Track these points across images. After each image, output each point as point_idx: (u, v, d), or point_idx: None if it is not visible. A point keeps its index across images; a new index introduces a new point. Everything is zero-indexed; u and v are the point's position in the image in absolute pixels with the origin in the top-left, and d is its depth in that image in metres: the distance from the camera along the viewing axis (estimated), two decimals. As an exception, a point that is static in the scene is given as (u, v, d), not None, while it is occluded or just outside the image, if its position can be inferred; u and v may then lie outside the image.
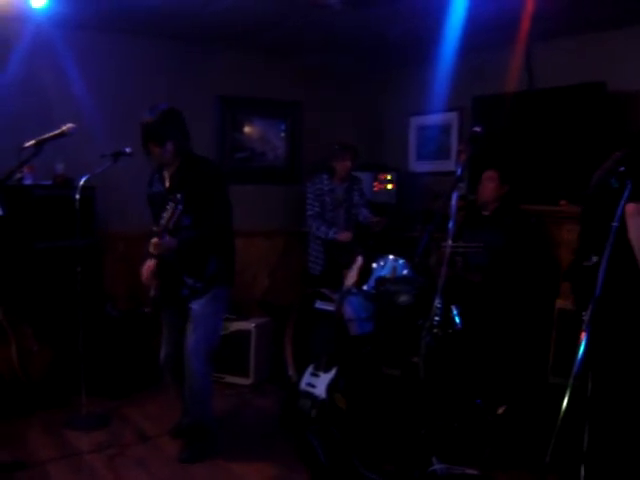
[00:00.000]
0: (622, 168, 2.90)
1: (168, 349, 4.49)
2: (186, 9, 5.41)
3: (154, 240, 4.00)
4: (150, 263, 4.18)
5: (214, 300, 4.34)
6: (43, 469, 4.19)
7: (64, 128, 4.31)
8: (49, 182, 5.65)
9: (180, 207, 3.89)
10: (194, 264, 4.27)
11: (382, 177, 7.35)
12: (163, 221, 3.92)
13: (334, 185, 6.35)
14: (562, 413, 2.78)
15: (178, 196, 3.89)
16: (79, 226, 4.81)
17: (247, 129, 7.21)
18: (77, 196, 4.73)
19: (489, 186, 5.41)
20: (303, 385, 4.84)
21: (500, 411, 4.57)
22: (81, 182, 4.72)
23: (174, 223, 3.93)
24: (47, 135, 4.21)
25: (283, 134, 7.42)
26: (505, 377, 4.83)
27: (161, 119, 4.18)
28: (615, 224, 2.84)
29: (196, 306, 4.30)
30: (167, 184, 4.33)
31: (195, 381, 4.33)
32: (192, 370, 4.30)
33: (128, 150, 4.70)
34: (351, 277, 5.07)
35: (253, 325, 5.81)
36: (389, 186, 7.31)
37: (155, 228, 3.99)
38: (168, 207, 3.91)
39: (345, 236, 6.22)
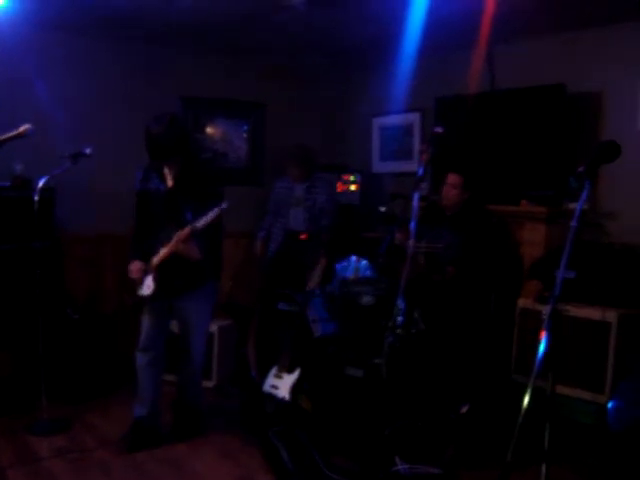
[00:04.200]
0: (581, 169, 2.92)
1: (151, 333, 4.61)
2: (148, 9, 5.36)
3: (182, 237, 4.15)
4: (158, 257, 4.37)
5: (207, 294, 4.66)
6: (2, 474, 4.11)
7: (22, 129, 4.25)
8: (7, 183, 5.56)
9: (224, 210, 4.07)
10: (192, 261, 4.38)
11: (345, 178, 7.36)
12: (201, 223, 4.06)
13: (293, 184, 6.34)
14: (523, 411, 2.80)
15: (224, 205, 4.05)
16: (38, 228, 4.75)
17: (209, 130, 7.18)
18: (36, 197, 4.66)
19: (452, 192, 5.37)
20: (266, 387, 4.83)
21: (463, 410, 4.58)
22: (40, 184, 4.65)
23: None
24: (4, 136, 4.14)
25: (245, 135, 7.39)
26: (468, 376, 4.85)
27: (168, 137, 4.25)
28: (573, 224, 2.86)
29: (191, 299, 4.55)
30: (170, 183, 4.44)
31: (195, 366, 4.77)
32: (194, 359, 4.73)
33: (88, 151, 4.65)
34: (315, 278, 5.07)
35: (216, 327, 5.78)
36: (352, 187, 7.31)
37: (190, 226, 4.14)
38: (213, 211, 4.04)
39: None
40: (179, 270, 4.39)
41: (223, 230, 4.52)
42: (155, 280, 4.40)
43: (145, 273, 4.44)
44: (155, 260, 4.38)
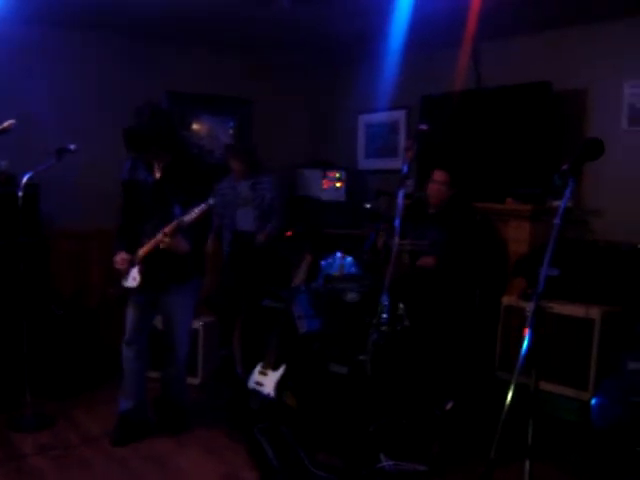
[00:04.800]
0: (565, 166, 2.93)
1: (137, 326, 4.60)
2: (136, 3, 5.33)
3: (167, 232, 4.09)
4: (144, 249, 4.34)
5: (192, 291, 4.66)
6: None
7: (5, 124, 4.25)
8: (-9, 180, 5.53)
9: (211, 207, 4.00)
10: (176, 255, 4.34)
11: (331, 175, 7.36)
12: (188, 218, 3.99)
13: (236, 184, 6.24)
14: (506, 408, 2.81)
15: (211, 201, 3.97)
16: (22, 224, 4.72)
17: (195, 126, 7.16)
18: (20, 193, 4.64)
19: (439, 189, 5.35)
20: (251, 383, 4.82)
21: (448, 407, 4.60)
22: (24, 180, 4.63)
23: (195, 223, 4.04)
24: (-12, 132, 4.13)
25: (232, 131, 7.38)
26: (453, 373, 4.87)
27: (142, 129, 4.20)
28: (557, 221, 2.88)
29: (176, 292, 4.53)
30: (158, 174, 4.43)
31: (180, 363, 4.74)
32: (178, 355, 4.70)
33: (72, 147, 4.63)
34: (300, 275, 5.06)
35: (201, 324, 5.77)
36: (338, 184, 7.31)
37: (177, 220, 4.06)
38: (200, 207, 3.96)
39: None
40: (165, 263, 4.36)
41: (210, 226, 4.54)
42: (141, 272, 4.37)
43: (131, 264, 4.41)
44: (141, 252, 4.35)
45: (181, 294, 4.57)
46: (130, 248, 4.44)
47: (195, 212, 3.98)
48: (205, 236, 4.56)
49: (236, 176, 6.21)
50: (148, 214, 4.41)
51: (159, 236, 4.16)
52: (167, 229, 4.11)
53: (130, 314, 4.61)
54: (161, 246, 4.18)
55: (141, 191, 4.48)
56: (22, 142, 5.33)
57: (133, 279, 4.40)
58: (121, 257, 4.43)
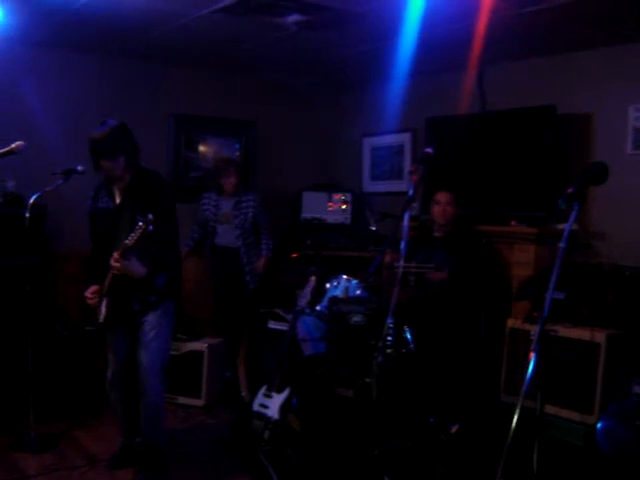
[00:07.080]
0: (570, 190, 2.94)
1: (116, 367, 4.36)
2: (141, 27, 5.38)
3: (116, 257, 3.86)
4: (105, 282, 4.11)
5: (165, 314, 4.25)
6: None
7: (13, 146, 4.26)
8: (-1, 200, 5.56)
9: (151, 227, 3.73)
10: (146, 278, 4.08)
11: (336, 197, 7.38)
12: (130, 240, 3.76)
13: (220, 201, 6.38)
14: (511, 432, 2.80)
15: (150, 216, 3.72)
16: (29, 244, 4.73)
17: (202, 148, 7.19)
18: (27, 214, 4.66)
19: (445, 209, 5.42)
20: (256, 406, 4.80)
21: (453, 430, 4.58)
22: (31, 200, 4.65)
23: (140, 243, 3.78)
24: (-4, 153, 4.15)
25: (237, 153, 7.41)
26: (458, 396, 4.85)
27: (112, 134, 4.06)
28: (562, 245, 2.88)
29: (149, 320, 4.19)
30: (118, 200, 4.22)
31: (150, 398, 4.21)
32: (148, 387, 4.19)
33: (80, 168, 4.63)
34: (304, 297, 5.05)
35: (206, 345, 5.76)
36: (343, 206, 7.34)
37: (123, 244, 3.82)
38: (138, 226, 3.72)
39: None
40: (134, 293, 4.14)
41: (172, 247, 4.27)
42: (107, 306, 4.17)
43: (100, 298, 4.20)
44: (105, 285, 4.14)
45: (151, 315, 4.21)
46: (101, 280, 4.19)
47: (135, 232, 3.75)
48: (169, 258, 4.23)
49: (226, 192, 6.34)
50: (113, 242, 4.11)
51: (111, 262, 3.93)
52: (114, 257, 3.87)
53: (109, 355, 4.40)
54: (115, 272, 3.96)
55: (104, 219, 4.28)
56: (29, 163, 5.36)
57: (101, 314, 4.20)
58: (90, 291, 4.22)
